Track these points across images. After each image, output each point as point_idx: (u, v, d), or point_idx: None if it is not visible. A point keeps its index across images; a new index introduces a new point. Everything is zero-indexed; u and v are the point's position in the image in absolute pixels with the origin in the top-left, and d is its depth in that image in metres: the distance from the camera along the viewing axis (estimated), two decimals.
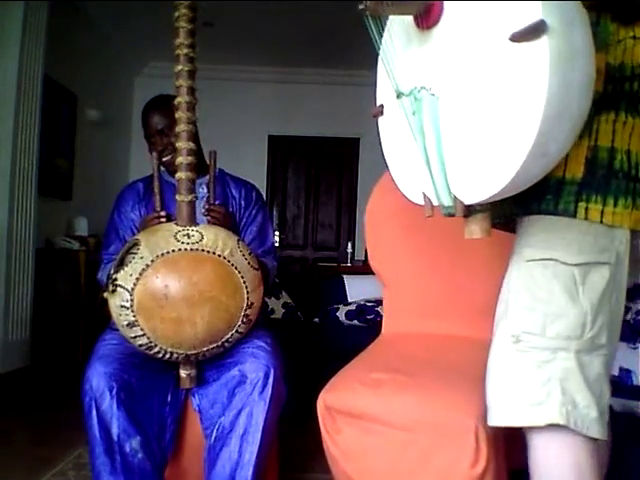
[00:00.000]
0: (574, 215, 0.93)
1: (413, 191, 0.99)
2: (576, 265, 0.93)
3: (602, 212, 0.92)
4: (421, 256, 1.81)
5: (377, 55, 0.99)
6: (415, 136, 0.90)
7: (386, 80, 0.96)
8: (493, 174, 0.81)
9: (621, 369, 1.86)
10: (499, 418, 0.98)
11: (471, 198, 0.85)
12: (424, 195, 0.94)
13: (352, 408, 1.28)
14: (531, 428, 0.95)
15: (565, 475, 0.93)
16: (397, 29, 0.95)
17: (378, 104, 1.02)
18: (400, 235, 1.82)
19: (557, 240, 0.95)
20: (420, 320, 1.76)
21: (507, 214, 1.03)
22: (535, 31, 0.71)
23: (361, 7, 0.83)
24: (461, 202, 0.87)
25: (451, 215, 0.90)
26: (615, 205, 0.92)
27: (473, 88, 0.81)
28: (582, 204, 0.93)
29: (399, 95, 0.92)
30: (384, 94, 1.00)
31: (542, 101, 0.72)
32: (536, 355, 0.94)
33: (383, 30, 0.94)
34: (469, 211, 0.90)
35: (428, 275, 1.80)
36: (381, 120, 1.03)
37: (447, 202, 0.90)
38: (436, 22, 0.86)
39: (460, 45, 0.83)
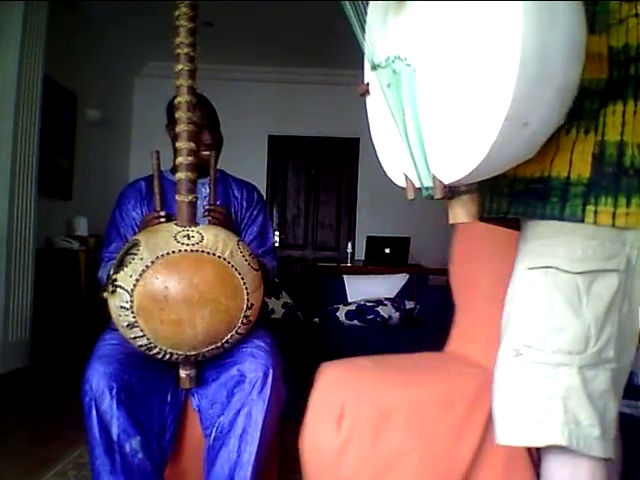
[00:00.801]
0: (582, 220, 0.85)
1: (397, 173, 0.93)
2: (579, 273, 0.87)
3: (614, 214, 0.84)
4: (499, 286, 1.71)
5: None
6: (392, 111, 0.84)
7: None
8: (470, 147, 0.74)
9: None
10: (503, 436, 0.93)
11: (450, 176, 0.79)
12: (405, 177, 0.89)
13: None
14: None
15: None
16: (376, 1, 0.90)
17: (365, 81, 0.95)
18: (484, 261, 1.63)
19: (560, 246, 0.88)
20: (483, 348, 1.58)
21: (502, 211, 0.96)
22: None
23: None
24: (440, 182, 0.81)
25: (432, 197, 0.84)
26: (628, 205, 0.83)
27: (448, 55, 0.76)
28: (590, 207, 0.85)
29: (374, 67, 0.87)
30: (370, 71, 0.93)
31: (515, 61, 0.66)
32: (537, 370, 0.89)
33: (365, 14, 0.89)
34: (452, 193, 0.84)
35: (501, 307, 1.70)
36: (368, 99, 0.97)
37: (427, 183, 0.84)
38: None
39: (435, 11, 0.78)
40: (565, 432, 0.86)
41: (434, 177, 0.82)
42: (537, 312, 0.89)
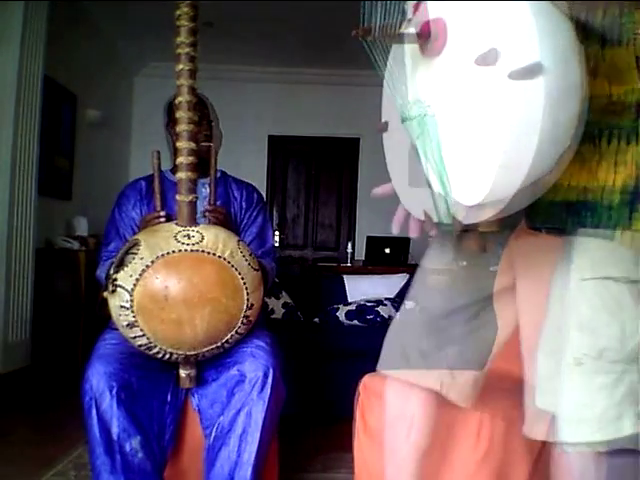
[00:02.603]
0: (630, 228, 0.88)
1: (415, 206, 1.00)
2: (634, 282, 0.89)
3: None
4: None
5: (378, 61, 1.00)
6: (419, 157, 0.91)
7: (390, 98, 0.98)
8: (495, 188, 0.83)
9: None
10: (574, 435, 0.94)
11: (470, 200, 0.86)
12: (425, 212, 0.95)
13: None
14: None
15: None
16: (402, 52, 0.96)
17: (383, 120, 1.03)
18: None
19: (611, 255, 0.91)
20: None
21: (552, 221, 1.00)
22: (532, 72, 0.76)
23: (353, 33, 0.86)
24: (459, 221, 0.89)
25: (449, 232, 0.92)
26: None
27: (472, 116, 0.85)
28: (637, 215, 0.87)
29: (404, 120, 0.93)
30: (389, 111, 1.01)
31: (535, 139, 0.77)
32: (601, 378, 0.91)
33: (388, 52, 0.95)
34: (465, 228, 0.92)
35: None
36: (385, 135, 1.05)
37: (446, 220, 0.91)
38: (440, 52, 0.88)
39: (462, 74, 0.85)
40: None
41: (454, 217, 0.89)
42: (595, 322, 0.91)
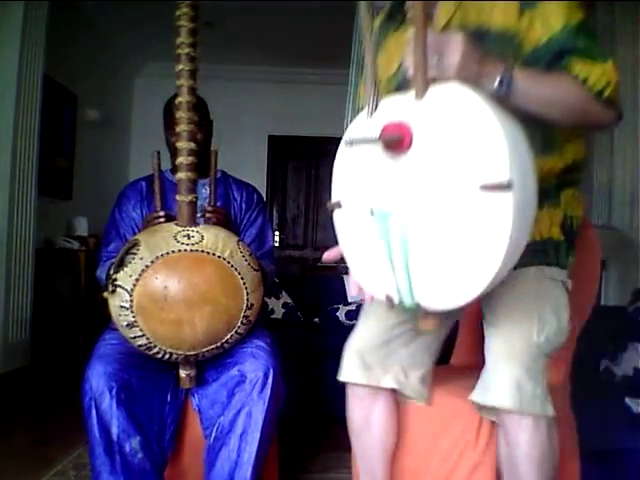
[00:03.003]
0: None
1: (373, 284, 1.03)
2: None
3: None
4: None
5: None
6: (384, 250, 0.96)
7: (344, 178, 1.03)
8: (457, 293, 0.90)
9: (636, 369, 1.87)
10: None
11: (436, 306, 0.94)
12: (386, 295, 0.99)
13: None
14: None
15: None
16: (366, 149, 0.98)
17: (334, 200, 1.05)
18: None
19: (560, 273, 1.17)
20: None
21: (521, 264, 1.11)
22: (503, 188, 0.81)
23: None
24: (424, 309, 0.96)
25: (412, 311, 0.98)
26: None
27: (440, 218, 0.89)
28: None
29: (372, 212, 0.97)
30: (342, 190, 1.04)
31: (504, 247, 0.83)
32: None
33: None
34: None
35: None
36: (337, 213, 1.06)
37: (408, 304, 0.96)
38: (405, 151, 0.91)
39: (429, 179, 0.89)
40: None
41: (418, 305, 0.95)
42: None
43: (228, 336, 1.35)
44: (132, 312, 1.26)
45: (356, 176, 1.01)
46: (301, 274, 5.00)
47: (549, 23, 1.04)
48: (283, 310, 3.20)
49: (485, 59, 0.96)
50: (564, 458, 1.38)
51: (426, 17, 0.90)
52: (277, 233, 5.68)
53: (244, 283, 1.34)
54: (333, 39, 4.76)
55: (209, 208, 1.58)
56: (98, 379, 1.35)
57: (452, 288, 0.90)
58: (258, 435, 1.40)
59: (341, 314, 3.11)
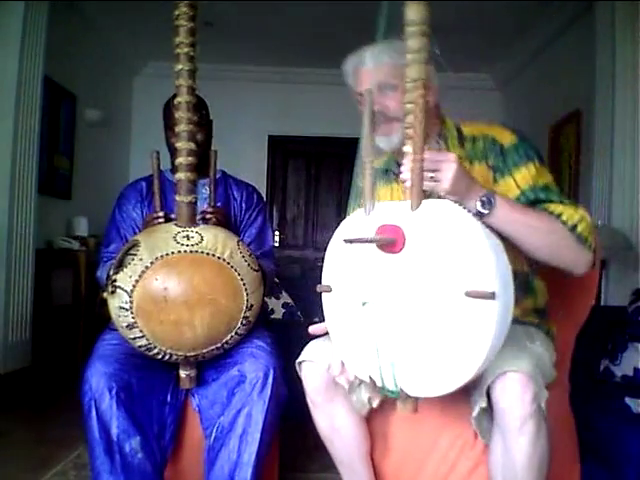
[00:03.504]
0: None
1: (356, 366, 1.11)
2: None
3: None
4: None
5: None
6: (370, 338, 1.05)
7: (336, 266, 1.14)
8: (439, 384, 0.99)
9: (636, 369, 1.87)
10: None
11: (418, 394, 1.03)
12: (370, 377, 1.07)
13: None
14: None
15: None
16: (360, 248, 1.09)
17: (325, 283, 1.15)
18: None
19: None
20: None
21: None
22: (487, 296, 0.91)
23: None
24: (406, 393, 1.04)
25: (392, 395, 1.06)
26: None
27: (427, 315, 0.98)
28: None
29: (363, 303, 1.06)
30: (333, 277, 1.15)
31: (485, 350, 0.94)
32: None
33: None
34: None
35: None
36: (326, 297, 1.16)
37: (391, 388, 1.04)
38: (398, 252, 1.02)
39: (419, 277, 0.99)
40: None
41: (401, 390, 1.04)
42: None
43: (228, 337, 1.35)
44: (132, 313, 1.26)
45: (348, 266, 1.11)
46: (301, 274, 4.99)
47: (519, 185, 1.22)
48: (283, 310, 3.19)
49: (473, 180, 1.11)
50: (564, 458, 1.38)
51: (424, 136, 1.03)
52: (277, 233, 5.67)
53: (244, 284, 1.34)
54: (333, 39, 4.76)
55: (209, 209, 1.58)
56: (98, 379, 1.35)
57: (434, 379, 0.99)
58: (258, 435, 1.40)
59: None
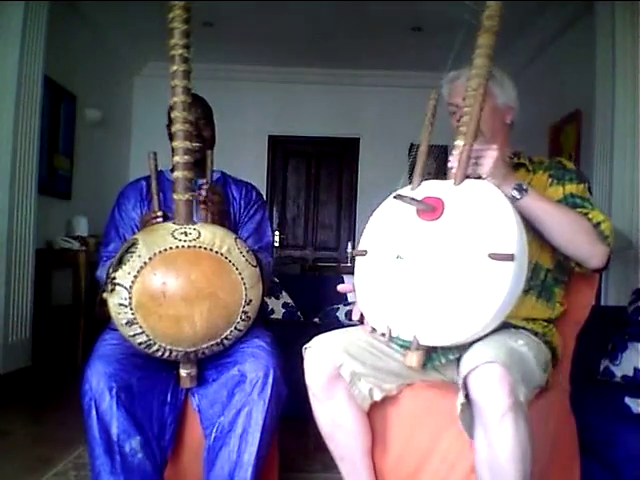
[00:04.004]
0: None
1: (376, 317, 1.22)
2: None
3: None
4: None
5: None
6: (396, 290, 1.18)
7: (374, 233, 1.27)
8: (450, 333, 1.11)
9: (636, 369, 1.87)
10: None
11: (431, 342, 1.14)
12: (387, 327, 1.18)
13: None
14: None
15: None
16: (400, 211, 1.23)
17: (361, 248, 1.28)
18: None
19: None
20: None
21: None
22: (506, 258, 1.05)
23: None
24: (417, 341, 1.14)
25: (403, 347, 1.19)
26: None
27: (451, 271, 1.11)
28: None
29: (398, 257, 1.20)
30: (369, 242, 1.28)
31: (495, 307, 1.07)
32: None
33: None
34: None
35: None
36: (359, 259, 1.28)
37: (405, 337, 1.15)
38: (435, 219, 1.17)
39: (449, 239, 1.13)
40: None
41: (414, 339, 1.14)
42: None
43: (227, 332, 1.35)
44: (131, 309, 1.26)
45: (388, 229, 1.25)
46: (301, 274, 5.00)
47: (565, 192, 1.40)
48: (283, 310, 3.19)
49: (511, 171, 1.30)
50: (564, 458, 1.38)
51: (476, 131, 1.20)
52: (277, 233, 5.67)
53: (242, 278, 1.34)
54: (334, 39, 4.77)
55: (203, 193, 1.55)
56: (98, 379, 1.34)
57: (448, 328, 1.10)
58: (258, 435, 1.39)
59: (341, 314, 3.11)
